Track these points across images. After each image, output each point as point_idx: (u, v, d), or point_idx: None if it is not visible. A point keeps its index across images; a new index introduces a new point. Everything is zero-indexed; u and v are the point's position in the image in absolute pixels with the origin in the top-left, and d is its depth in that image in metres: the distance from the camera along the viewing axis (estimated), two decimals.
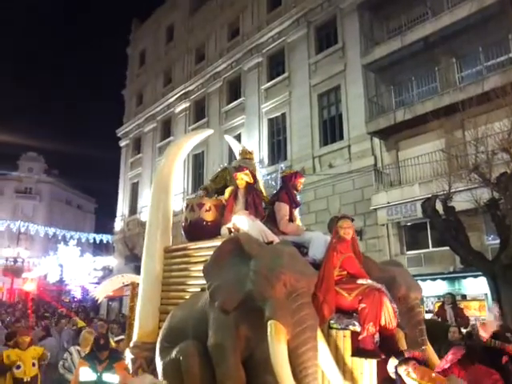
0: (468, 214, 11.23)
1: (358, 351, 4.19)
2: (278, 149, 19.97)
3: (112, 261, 29.18)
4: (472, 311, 12.48)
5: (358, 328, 4.27)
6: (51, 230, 34.70)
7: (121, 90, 32.66)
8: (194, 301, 4.65)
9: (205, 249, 5.31)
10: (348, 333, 4.28)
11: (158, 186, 6.35)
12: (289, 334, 3.60)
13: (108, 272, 29.41)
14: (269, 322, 3.64)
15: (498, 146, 9.61)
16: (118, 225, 29.40)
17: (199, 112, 25.03)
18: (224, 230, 5.49)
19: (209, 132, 7.58)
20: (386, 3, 16.31)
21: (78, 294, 29.66)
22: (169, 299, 5.57)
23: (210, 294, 4.13)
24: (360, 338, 4.21)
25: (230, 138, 8.67)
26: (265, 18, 21.79)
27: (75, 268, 30.19)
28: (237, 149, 7.81)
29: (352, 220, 4.82)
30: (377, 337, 4.32)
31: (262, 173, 17.75)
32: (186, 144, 6.81)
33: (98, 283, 28.42)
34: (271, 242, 4.73)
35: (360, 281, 4.48)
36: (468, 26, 13.71)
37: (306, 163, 17.68)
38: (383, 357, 4.20)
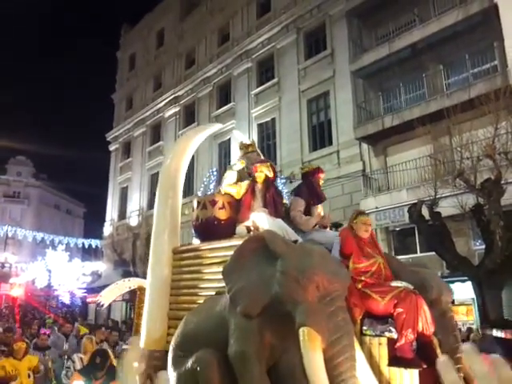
0: (454, 219, 11.36)
1: (397, 360, 3.84)
2: (267, 154, 19.96)
3: (101, 266, 28.97)
4: (460, 316, 12.59)
5: (394, 335, 3.94)
6: (39, 235, 34.34)
7: (110, 94, 32.59)
8: (210, 305, 4.23)
9: (220, 249, 4.93)
10: (384, 340, 3.94)
11: (166, 182, 5.89)
12: (324, 342, 3.22)
13: (96, 277, 29.22)
14: (301, 329, 3.25)
15: (483, 152, 9.75)
16: (107, 230, 29.23)
17: (189, 117, 25.04)
18: (241, 228, 5.07)
19: (218, 126, 7.15)
20: (375, 10, 16.49)
21: (66, 299, 29.39)
22: (178, 304, 5.18)
23: (231, 298, 3.75)
24: (397, 345, 3.87)
25: (238, 133, 7.95)
26: (254, 24, 21.92)
27: (63, 273, 29.91)
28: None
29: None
30: (414, 344, 4.00)
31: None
32: (195, 138, 6.34)
33: (86, 288, 28.25)
34: (295, 242, 4.36)
35: (394, 283, 4.14)
36: (455, 33, 13.91)
37: (296, 168, 17.71)
38: (424, 366, 3.84)
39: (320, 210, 5.55)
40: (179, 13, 27.30)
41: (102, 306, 7.13)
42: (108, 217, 29.79)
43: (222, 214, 5.28)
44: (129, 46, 31.74)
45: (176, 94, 25.81)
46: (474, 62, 13.84)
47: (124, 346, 7.71)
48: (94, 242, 32.65)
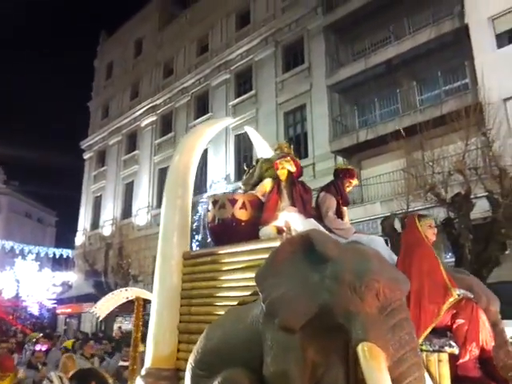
0: None
1: (461, 379, 3.42)
2: (244, 165, 20.04)
3: (72, 276, 28.33)
4: None
5: (456, 350, 3.51)
6: (8, 244, 33.43)
7: (86, 101, 32.23)
8: (236, 317, 3.64)
9: (243, 253, 4.30)
10: (445, 356, 3.43)
11: (175, 179, 5.30)
12: (388, 360, 2.73)
13: (67, 288, 28.56)
14: (361, 345, 2.75)
15: (453, 167, 9.98)
16: (79, 239, 28.67)
17: (166, 126, 24.94)
18: (267, 229, 4.48)
19: (230, 121, 6.25)
20: (351, 26, 16.82)
21: (34, 311, 28.59)
22: (191, 315, 4.58)
23: (268, 308, 3.17)
24: (460, 362, 3.44)
25: (250, 130, 7.22)
26: (233, 36, 22.09)
27: (33, 283, 29.15)
28: (258, 141, 6.73)
29: None
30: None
31: (227, 189, 17.88)
32: (206, 131, 5.80)
33: (56, 299, 27.57)
34: None
35: (452, 290, 3.62)
36: (428, 51, 14.30)
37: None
38: None
39: (346, 214, 4.99)
40: (158, 22, 27.29)
41: (98, 318, 6.50)
42: (80, 226, 29.23)
43: (243, 215, 4.70)
44: (106, 54, 31.52)
45: (153, 103, 25.69)
46: (446, 79, 14.23)
47: (122, 363, 7.19)
48: (66, 252, 31.97)
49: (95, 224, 27.94)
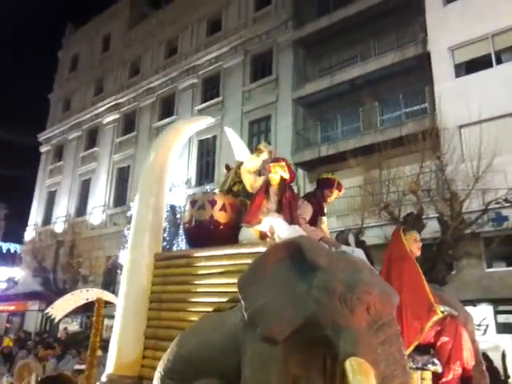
0: (378, 248, 11.87)
1: None
2: (206, 170, 20.02)
3: (18, 272, 27.21)
4: None
5: (439, 368, 3.43)
6: None
7: (47, 92, 31.27)
8: (212, 325, 3.43)
9: (221, 257, 4.07)
10: (428, 374, 3.40)
11: (150, 175, 5.08)
12: (377, 377, 2.58)
13: (12, 284, 27.38)
14: (349, 360, 2.59)
15: (408, 187, 10.36)
16: (29, 234, 27.64)
17: (128, 125, 24.56)
18: (249, 233, 4.23)
19: (210, 120, 6.21)
20: (319, 43, 17.20)
21: None
22: (160, 320, 4.32)
23: (250, 318, 2.97)
24: (443, 381, 3.41)
25: (230, 131, 6.99)
26: (203, 41, 22.10)
27: None
28: (237, 144, 6.50)
29: None
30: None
31: (187, 193, 17.75)
32: (186, 129, 5.56)
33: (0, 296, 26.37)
34: None
35: (436, 307, 3.56)
36: (391, 74, 14.80)
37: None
38: None
39: (325, 223, 4.87)
40: (128, 20, 26.92)
41: (54, 319, 6.21)
42: (31, 221, 28.21)
43: (222, 217, 4.46)
44: (72, 46, 30.75)
45: (117, 101, 25.26)
46: (407, 102, 14.75)
47: (77, 366, 6.91)
48: (14, 247, 30.72)
49: (47, 220, 27.04)
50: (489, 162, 10.05)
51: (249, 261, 3.55)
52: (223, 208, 4.49)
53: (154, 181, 5.02)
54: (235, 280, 3.50)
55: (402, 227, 4.52)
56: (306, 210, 4.60)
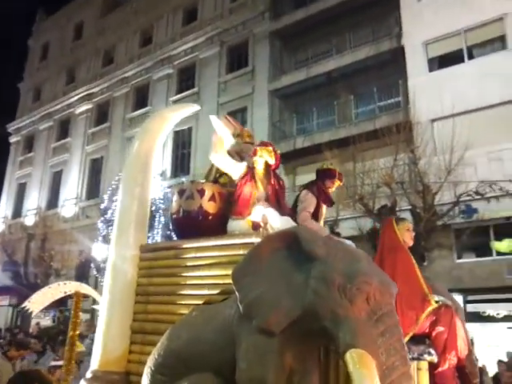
0: (353, 240, 12.03)
1: None
2: (181, 162, 19.83)
3: None
4: None
5: (435, 358, 3.42)
6: None
7: (16, 82, 30.36)
8: (204, 317, 3.34)
9: (212, 248, 3.94)
10: (424, 364, 3.37)
11: (135, 164, 4.88)
12: (378, 369, 2.54)
13: None
14: (350, 352, 2.55)
15: (382, 180, 10.49)
16: None
17: (102, 116, 24.10)
18: (241, 224, 4.09)
19: (196, 108, 5.94)
20: (296, 35, 17.19)
21: None
22: (147, 314, 4.19)
23: (245, 309, 2.92)
24: (439, 370, 3.39)
25: (214, 119, 6.38)
26: (179, 31, 21.81)
27: None
28: (222, 130, 6.14)
29: None
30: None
31: (162, 185, 17.58)
32: (172, 116, 5.35)
33: None
34: None
35: (431, 297, 3.53)
36: (366, 67, 14.92)
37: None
38: None
39: (324, 214, 4.69)
40: (102, 7, 26.30)
41: (31, 313, 5.92)
42: (0, 214, 27.47)
43: (211, 207, 4.30)
44: (43, 34, 29.88)
45: (90, 91, 24.73)
46: (381, 95, 14.91)
47: (54, 363, 6.63)
48: None
49: (17, 213, 26.35)
50: (460, 156, 10.27)
51: (241, 252, 3.49)
52: (212, 198, 4.34)
53: (138, 170, 4.83)
54: (227, 272, 3.44)
55: (393, 217, 4.51)
56: (311, 203, 4.35)
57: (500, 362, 8.21)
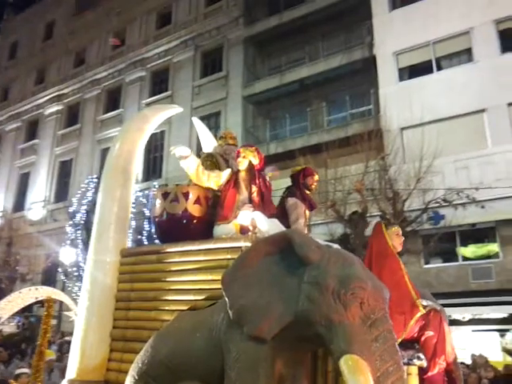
0: None
1: None
2: (153, 166, 19.63)
3: None
4: None
5: (424, 362, 3.47)
6: None
7: None
8: (190, 324, 3.21)
9: (197, 253, 3.81)
10: (414, 369, 3.36)
11: (115, 166, 4.70)
12: (372, 375, 2.51)
13: None
14: (344, 358, 2.51)
15: (353, 186, 10.65)
16: None
17: (72, 117, 23.65)
18: (228, 227, 3.98)
19: (179, 109, 5.82)
20: (270, 42, 17.35)
21: None
22: (128, 320, 4.04)
23: (235, 316, 2.82)
24: (428, 375, 3.43)
25: (197, 121, 6.71)
26: (152, 34, 21.63)
27: None
28: (204, 133, 6.29)
29: None
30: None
31: (135, 189, 17.33)
32: (154, 117, 5.22)
33: None
34: None
35: (419, 301, 3.55)
36: (338, 75, 15.16)
37: (182, 184, 17.64)
38: None
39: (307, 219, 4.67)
40: (73, 7, 25.83)
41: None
42: None
43: (196, 210, 4.18)
44: (11, 32, 29.09)
45: (60, 92, 24.23)
46: (353, 103, 15.18)
47: (20, 370, 6.36)
48: None
49: None
50: (429, 164, 10.54)
51: (229, 256, 3.44)
52: (198, 201, 4.23)
53: (119, 171, 4.68)
54: (213, 277, 3.40)
55: (383, 221, 4.54)
56: (302, 212, 4.36)
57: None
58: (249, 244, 3.39)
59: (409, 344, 3.49)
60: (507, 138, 11.82)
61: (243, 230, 3.82)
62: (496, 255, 11.83)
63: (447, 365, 3.51)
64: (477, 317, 10.89)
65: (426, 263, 12.33)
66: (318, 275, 2.73)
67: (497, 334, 11.50)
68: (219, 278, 3.09)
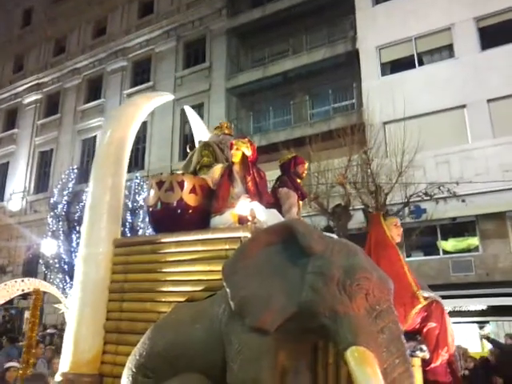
0: None
1: None
2: (135, 157, 19.41)
3: None
4: None
5: (427, 354, 3.43)
6: None
7: None
8: (189, 316, 3.15)
9: (194, 243, 3.75)
10: (417, 361, 3.34)
11: (107, 154, 4.65)
12: (380, 366, 2.46)
13: None
14: (351, 349, 2.46)
15: (336, 180, 10.78)
16: None
17: (52, 107, 23.23)
18: (225, 218, 3.96)
19: (171, 97, 5.75)
20: (253, 34, 17.31)
21: None
22: (122, 312, 3.98)
23: (237, 307, 2.78)
24: (431, 367, 3.42)
25: (189, 109, 6.57)
26: (134, 23, 21.34)
27: None
28: (197, 121, 6.27)
29: None
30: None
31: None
32: (145, 105, 5.16)
33: None
34: None
35: (420, 292, 3.54)
36: (322, 69, 15.23)
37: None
38: None
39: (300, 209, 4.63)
40: None
41: None
42: None
43: (192, 200, 4.07)
44: None
45: (39, 81, 23.77)
46: (336, 97, 15.29)
47: (10, 364, 6.19)
48: None
49: None
50: (411, 158, 10.72)
51: (227, 246, 3.41)
52: (193, 190, 4.11)
53: (111, 160, 4.60)
54: (211, 267, 3.38)
55: (381, 212, 4.54)
56: (295, 201, 4.36)
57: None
58: (248, 234, 3.35)
59: (411, 336, 3.45)
60: (487, 134, 12.10)
61: (241, 221, 3.77)
62: (476, 249, 12.15)
63: (449, 355, 3.53)
64: (456, 309, 11.18)
65: (408, 256, 12.54)
66: (322, 265, 2.67)
67: (476, 325, 11.83)
68: (217, 268, 3.05)
